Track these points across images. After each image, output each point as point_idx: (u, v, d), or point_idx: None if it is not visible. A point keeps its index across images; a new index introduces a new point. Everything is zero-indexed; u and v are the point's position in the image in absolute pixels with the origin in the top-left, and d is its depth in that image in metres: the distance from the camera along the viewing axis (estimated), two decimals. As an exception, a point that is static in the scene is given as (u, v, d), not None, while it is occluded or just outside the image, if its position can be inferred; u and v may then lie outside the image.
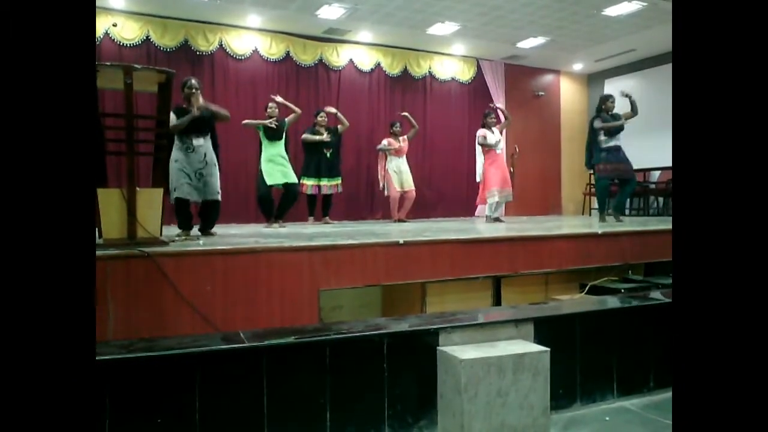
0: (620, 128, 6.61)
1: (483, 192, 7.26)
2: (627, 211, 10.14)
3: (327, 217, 7.36)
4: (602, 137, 6.66)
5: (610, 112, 6.71)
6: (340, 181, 7.27)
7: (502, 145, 7.24)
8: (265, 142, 6.43)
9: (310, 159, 7.10)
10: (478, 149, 7.28)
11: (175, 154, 4.48)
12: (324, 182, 7.11)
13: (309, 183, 7.05)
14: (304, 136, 7.04)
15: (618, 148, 6.64)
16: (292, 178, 6.37)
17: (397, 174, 7.75)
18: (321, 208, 7.35)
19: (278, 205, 6.45)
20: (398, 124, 7.87)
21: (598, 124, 6.71)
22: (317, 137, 7.01)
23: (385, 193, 7.89)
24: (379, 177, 7.96)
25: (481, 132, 7.21)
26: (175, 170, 4.45)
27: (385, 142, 7.83)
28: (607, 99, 6.80)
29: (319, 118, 7.18)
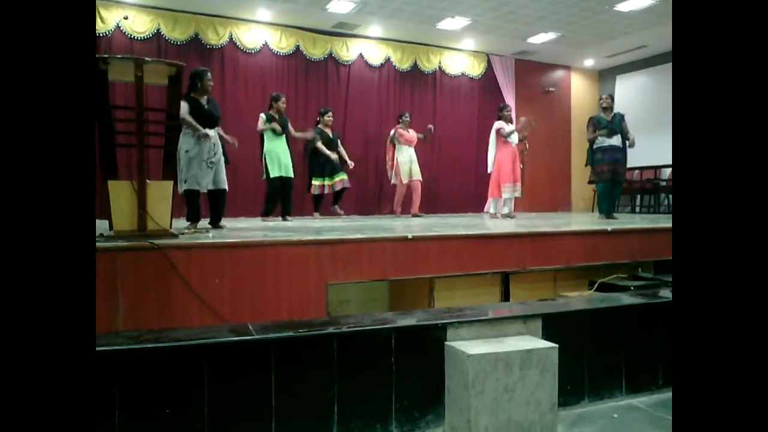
0: (612, 130, 6.56)
1: (495, 186, 7.21)
2: (637, 209, 10.10)
3: (336, 206, 7.37)
4: (598, 137, 6.65)
5: (606, 110, 6.71)
6: (345, 177, 7.30)
7: (515, 140, 7.19)
8: (269, 135, 6.45)
9: (317, 159, 7.11)
10: (493, 140, 7.23)
11: (186, 143, 4.42)
12: (329, 181, 7.17)
13: (317, 183, 7.12)
14: (319, 145, 6.98)
15: (615, 149, 6.58)
16: (291, 173, 6.47)
17: (408, 164, 7.71)
18: (332, 199, 7.39)
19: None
20: (407, 114, 7.88)
21: (587, 135, 6.86)
22: (327, 152, 7.00)
23: (392, 181, 7.89)
24: (387, 167, 7.94)
25: (498, 123, 7.16)
26: (185, 160, 4.42)
27: (394, 132, 7.80)
28: (604, 97, 6.87)
29: (326, 118, 7.20)
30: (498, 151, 7.15)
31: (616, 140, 6.58)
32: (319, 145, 7.00)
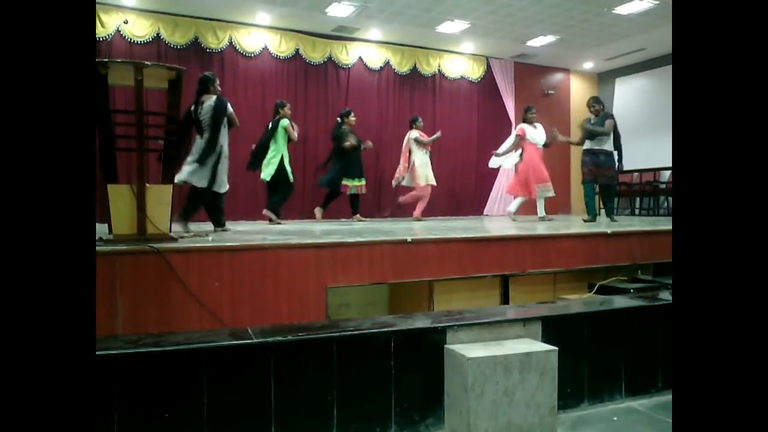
0: (592, 134, 6.55)
1: (521, 186, 7.20)
2: (637, 211, 10.10)
3: (358, 215, 7.62)
4: (586, 140, 6.69)
5: (598, 114, 6.66)
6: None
7: (541, 142, 7.19)
8: (286, 145, 6.63)
9: (351, 162, 7.31)
10: (510, 141, 7.27)
11: (225, 148, 4.69)
12: (362, 182, 7.47)
13: (353, 184, 7.36)
14: (348, 144, 7.24)
15: (598, 152, 6.57)
16: None
17: (425, 167, 7.69)
18: (351, 206, 7.63)
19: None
20: (420, 119, 7.92)
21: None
22: (354, 142, 7.33)
23: (404, 183, 7.81)
24: (401, 170, 7.81)
25: (521, 128, 7.17)
26: (226, 164, 4.70)
27: (416, 133, 7.73)
28: (587, 102, 6.89)
29: (350, 118, 7.42)
30: (525, 153, 7.15)
31: (599, 144, 6.56)
32: (348, 144, 7.24)
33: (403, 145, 7.89)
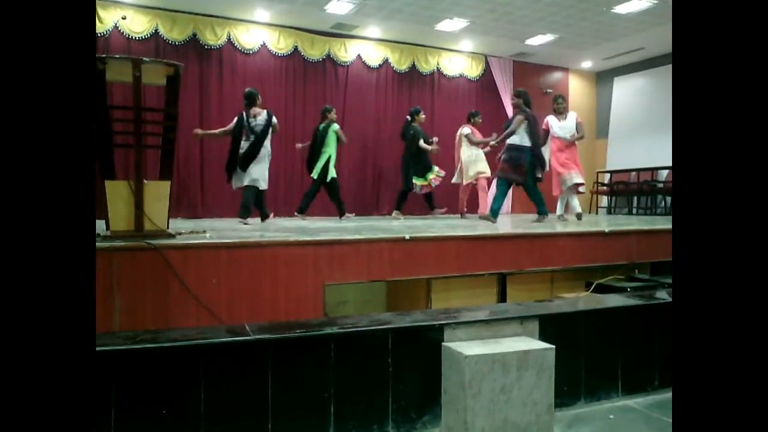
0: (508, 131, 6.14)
1: (555, 183, 6.89)
2: (634, 210, 10.10)
3: (436, 208, 7.90)
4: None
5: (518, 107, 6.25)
6: (436, 169, 7.79)
7: (566, 135, 6.68)
8: (335, 147, 7.08)
9: (421, 159, 7.54)
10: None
11: (270, 150, 6.02)
12: (425, 181, 7.63)
13: (419, 183, 7.60)
14: (423, 145, 7.48)
15: (509, 148, 6.10)
16: None
17: (476, 162, 7.67)
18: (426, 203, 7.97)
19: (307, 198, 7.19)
20: (479, 114, 7.96)
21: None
22: (431, 147, 7.51)
23: (460, 180, 7.83)
24: (460, 168, 7.80)
25: (545, 121, 6.77)
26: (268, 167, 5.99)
27: (467, 129, 7.72)
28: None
29: (421, 116, 7.69)
30: (552, 144, 6.77)
31: (512, 140, 6.12)
32: (423, 143, 7.45)
33: (456, 140, 7.90)
